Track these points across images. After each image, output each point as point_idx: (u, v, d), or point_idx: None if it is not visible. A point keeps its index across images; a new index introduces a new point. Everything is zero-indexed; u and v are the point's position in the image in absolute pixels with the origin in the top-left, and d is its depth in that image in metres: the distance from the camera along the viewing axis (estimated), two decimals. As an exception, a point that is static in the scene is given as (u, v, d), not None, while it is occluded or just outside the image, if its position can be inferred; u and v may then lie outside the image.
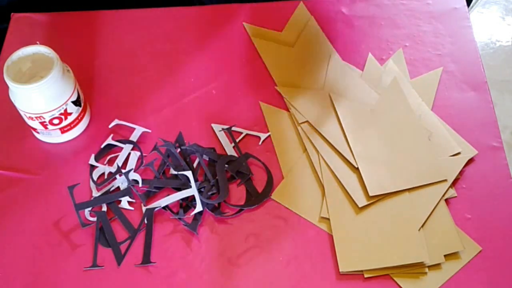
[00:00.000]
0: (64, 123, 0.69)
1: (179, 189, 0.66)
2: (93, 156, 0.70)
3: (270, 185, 0.68)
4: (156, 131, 0.72)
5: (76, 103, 0.69)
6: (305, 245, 0.64)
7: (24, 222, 0.66)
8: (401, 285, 0.61)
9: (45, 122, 0.68)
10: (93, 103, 0.75)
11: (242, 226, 0.65)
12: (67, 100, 0.67)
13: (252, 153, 0.70)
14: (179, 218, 0.65)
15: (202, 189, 0.66)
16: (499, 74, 1.72)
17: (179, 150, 0.69)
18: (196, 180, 0.66)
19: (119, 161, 0.69)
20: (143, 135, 0.72)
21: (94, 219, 0.65)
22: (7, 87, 0.66)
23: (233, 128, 0.72)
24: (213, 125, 0.72)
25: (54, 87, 0.66)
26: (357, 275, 0.61)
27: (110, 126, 0.72)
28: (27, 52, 0.67)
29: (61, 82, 0.66)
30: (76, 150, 0.71)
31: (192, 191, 0.65)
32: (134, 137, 0.71)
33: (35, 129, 0.70)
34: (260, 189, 0.67)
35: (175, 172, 0.67)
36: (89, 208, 0.66)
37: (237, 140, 0.71)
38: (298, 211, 0.66)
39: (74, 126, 0.71)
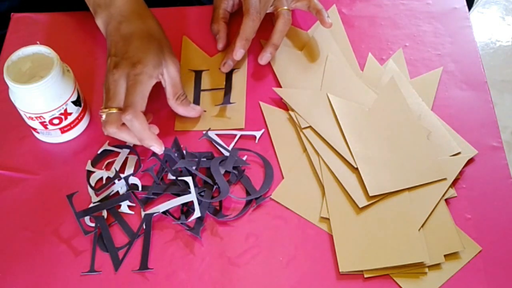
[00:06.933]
0: (64, 123, 0.69)
1: (179, 195, 0.66)
2: (89, 162, 0.69)
3: (270, 176, 0.68)
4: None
5: (76, 103, 0.69)
6: (305, 245, 0.64)
7: (24, 222, 0.66)
8: (401, 285, 0.61)
9: (45, 122, 0.68)
10: (93, 103, 0.75)
11: (242, 226, 0.65)
12: (67, 100, 0.67)
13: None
14: (181, 223, 0.64)
15: (203, 193, 0.66)
16: (499, 74, 1.72)
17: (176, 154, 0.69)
18: (196, 186, 0.66)
19: (117, 166, 0.69)
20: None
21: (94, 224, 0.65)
22: (7, 87, 0.66)
23: (224, 132, 0.71)
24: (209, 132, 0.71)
25: (54, 87, 0.66)
26: (357, 275, 0.61)
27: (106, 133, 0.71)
28: (27, 52, 0.67)
29: (61, 82, 0.66)
30: (76, 150, 0.71)
31: (191, 196, 0.65)
32: None
33: (35, 129, 0.70)
34: (259, 185, 0.67)
35: (174, 178, 0.67)
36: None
37: (233, 142, 0.71)
38: (298, 211, 0.66)
39: (74, 126, 0.71)
